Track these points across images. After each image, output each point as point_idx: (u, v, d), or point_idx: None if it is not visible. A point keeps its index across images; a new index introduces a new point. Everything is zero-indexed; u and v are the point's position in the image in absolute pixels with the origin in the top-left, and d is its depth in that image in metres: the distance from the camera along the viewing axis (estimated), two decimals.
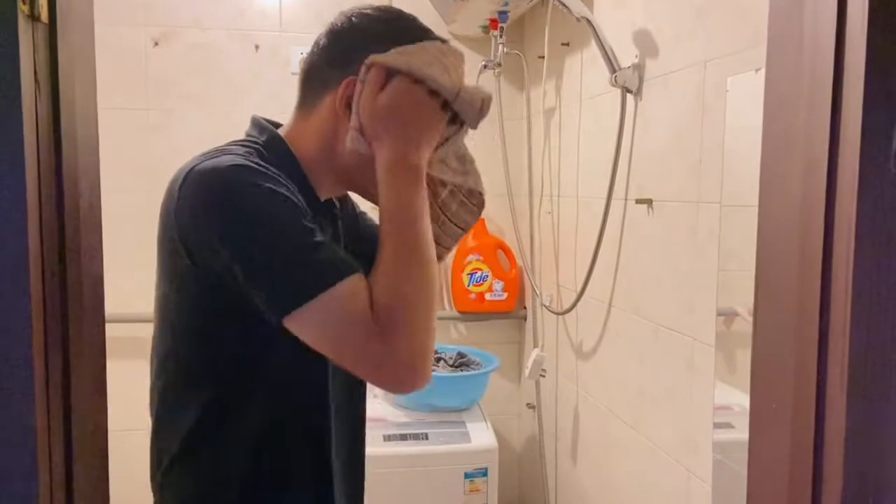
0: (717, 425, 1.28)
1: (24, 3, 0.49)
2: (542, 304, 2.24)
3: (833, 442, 0.57)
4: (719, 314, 1.27)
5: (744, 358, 1.21)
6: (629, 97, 1.61)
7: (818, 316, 0.58)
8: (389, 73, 0.85)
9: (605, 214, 1.69)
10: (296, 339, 0.78)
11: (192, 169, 0.81)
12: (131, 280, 1.89)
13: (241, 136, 0.92)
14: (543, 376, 2.24)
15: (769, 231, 0.65)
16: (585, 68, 1.92)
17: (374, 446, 1.91)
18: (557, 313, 2.10)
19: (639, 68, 1.57)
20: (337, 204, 0.99)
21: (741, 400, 1.22)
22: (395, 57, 0.85)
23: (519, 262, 2.47)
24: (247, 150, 0.86)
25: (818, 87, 0.57)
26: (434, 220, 0.94)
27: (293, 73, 2.23)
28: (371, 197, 0.91)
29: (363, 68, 0.85)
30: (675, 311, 1.44)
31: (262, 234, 0.77)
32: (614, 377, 1.76)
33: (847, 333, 0.55)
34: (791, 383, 0.61)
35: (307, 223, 0.79)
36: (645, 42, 1.54)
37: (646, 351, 1.57)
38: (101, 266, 0.62)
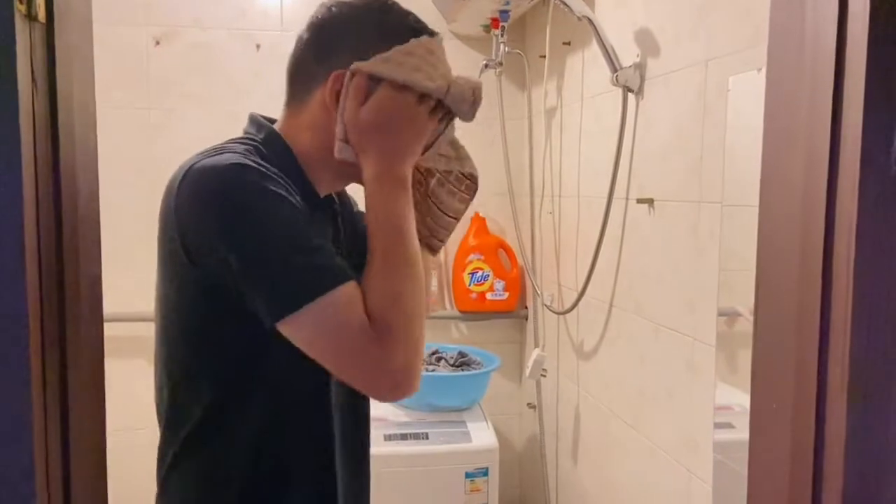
0: (717, 425, 1.27)
1: (20, 2, 0.49)
2: (543, 304, 2.24)
3: (833, 442, 0.57)
4: (721, 314, 1.27)
5: (746, 358, 1.21)
6: (630, 96, 1.61)
7: (819, 316, 0.57)
8: (373, 80, 0.83)
9: (606, 214, 1.69)
10: None
11: (191, 167, 0.81)
12: (132, 279, 1.90)
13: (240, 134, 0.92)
14: (544, 376, 2.24)
15: (770, 230, 0.65)
16: (587, 67, 1.92)
17: (375, 446, 1.89)
18: (558, 313, 2.10)
19: (640, 67, 1.57)
20: (336, 199, 0.98)
21: (743, 400, 1.22)
22: (379, 64, 0.83)
23: (520, 261, 2.47)
24: (246, 148, 0.86)
25: (819, 86, 0.57)
26: (426, 213, 0.93)
27: None
28: None
29: (347, 74, 0.84)
30: (675, 311, 1.43)
31: (260, 235, 0.77)
32: (615, 377, 1.76)
33: (848, 333, 0.55)
34: (791, 383, 0.61)
35: (306, 225, 0.79)
36: (646, 41, 1.54)
37: (646, 351, 1.57)
38: (99, 265, 0.62)
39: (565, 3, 1.63)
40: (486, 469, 1.97)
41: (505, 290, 2.48)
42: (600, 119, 1.83)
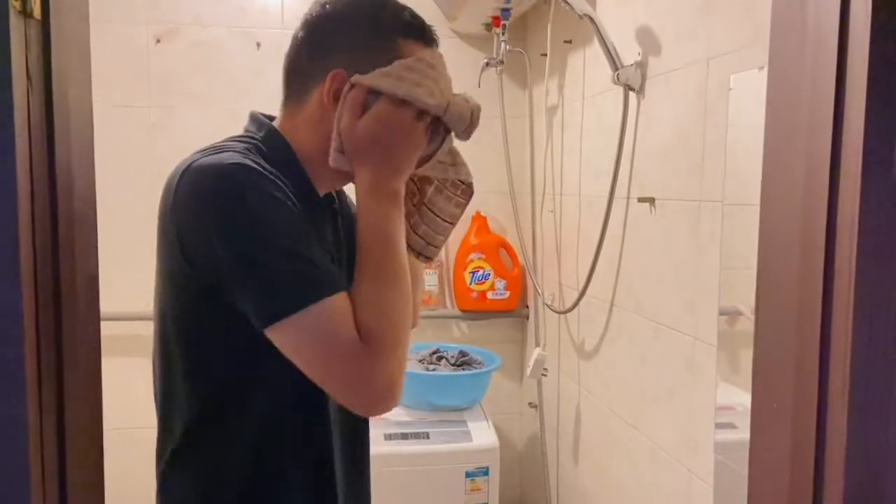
0: (718, 425, 1.27)
1: None
2: (544, 303, 2.23)
3: (834, 442, 0.56)
4: (722, 313, 1.27)
5: (747, 357, 1.20)
6: (632, 95, 1.60)
7: (820, 315, 0.57)
8: (373, 93, 0.83)
9: (607, 213, 1.68)
10: None
11: (189, 165, 0.80)
12: (132, 278, 1.89)
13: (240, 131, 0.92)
14: (545, 375, 2.24)
15: (771, 229, 0.64)
16: (588, 66, 1.92)
17: (375, 445, 1.89)
18: (559, 312, 2.09)
19: (641, 66, 1.56)
20: (336, 199, 0.98)
21: (744, 400, 1.21)
22: (379, 78, 0.82)
23: (521, 260, 2.47)
24: (246, 146, 0.85)
25: (821, 84, 0.57)
26: (421, 221, 0.94)
27: None
28: None
29: (347, 86, 0.83)
30: (676, 311, 1.43)
31: (256, 237, 0.76)
32: (616, 376, 1.76)
33: (849, 333, 0.55)
34: (792, 383, 0.60)
35: (302, 231, 0.78)
36: (647, 39, 1.54)
37: (647, 350, 1.57)
38: (95, 263, 0.62)
39: (567, 2, 1.62)
40: (487, 468, 1.97)
41: (506, 289, 2.47)
42: (601, 118, 1.83)
